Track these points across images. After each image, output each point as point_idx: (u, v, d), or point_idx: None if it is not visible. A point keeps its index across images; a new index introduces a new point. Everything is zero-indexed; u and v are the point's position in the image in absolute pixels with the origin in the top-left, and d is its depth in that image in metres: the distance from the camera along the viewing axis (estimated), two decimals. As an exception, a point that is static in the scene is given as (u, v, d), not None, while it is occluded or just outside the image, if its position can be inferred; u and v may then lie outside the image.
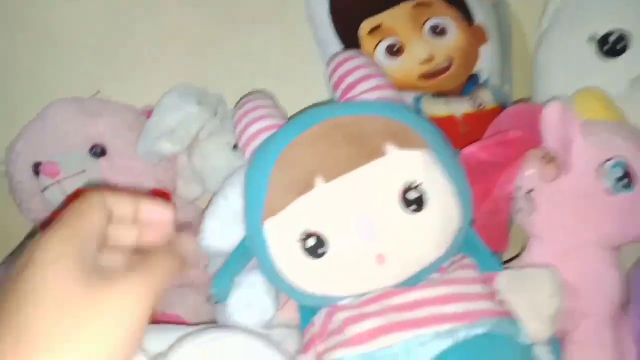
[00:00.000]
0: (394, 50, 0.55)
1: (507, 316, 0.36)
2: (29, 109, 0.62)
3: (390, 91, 0.42)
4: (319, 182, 0.37)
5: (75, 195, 0.51)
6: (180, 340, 0.35)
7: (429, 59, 0.54)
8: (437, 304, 0.36)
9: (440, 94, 0.55)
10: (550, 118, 0.40)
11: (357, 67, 0.43)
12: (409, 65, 0.55)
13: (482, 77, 0.57)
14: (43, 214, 0.57)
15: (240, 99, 0.49)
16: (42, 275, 0.20)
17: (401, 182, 0.36)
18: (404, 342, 0.34)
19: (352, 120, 0.39)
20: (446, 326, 0.34)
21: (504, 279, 0.38)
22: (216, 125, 0.60)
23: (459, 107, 0.54)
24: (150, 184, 0.59)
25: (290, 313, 0.43)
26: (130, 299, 0.21)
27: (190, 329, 0.38)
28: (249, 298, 0.40)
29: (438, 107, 0.53)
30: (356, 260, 0.36)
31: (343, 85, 0.43)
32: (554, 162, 0.40)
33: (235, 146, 0.59)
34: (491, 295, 0.37)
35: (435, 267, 0.38)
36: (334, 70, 0.44)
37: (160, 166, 0.60)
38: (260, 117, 0.43)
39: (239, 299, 0.40)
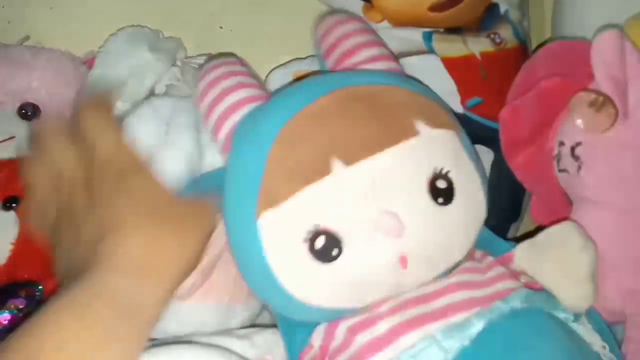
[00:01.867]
0: (400, -24, 0.47)
1: (539, 290, 0.32)
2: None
3: (394, 63, 0.37)
4: (338, 166, 0.30)
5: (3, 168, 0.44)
6: None
7: (442, -13, 0.47)
8: (461, 289, 0.31)
9: (454, 29, 0.47)
10: (603, 52, 0.33)
11: (354, 32, 0.38)
12: (416, -6, 0.48)
13: (502, 9, 0.50)
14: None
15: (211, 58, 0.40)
16: None
17: (431, 169, 0.31)
18: (429, 336, 0.29)
19: (372, 91, 0.33)
20: (476, 309, 0.30)
21: (522, 252, 0.34)
22: (175, 77, 0.51)
23: (477, 45, 0.47)
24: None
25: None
26: None
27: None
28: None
29: (453, 46, 0.46)
30: (377, 263, 0.30)
31: (337, 52, 0.37)
32: (607, 107, 0.33)
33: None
34: (515, 275, 0.33)
35: (458, 265, 0.33)
36: (325, 35, 0.38)
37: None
38: (238, 85, 0.36)
39: None
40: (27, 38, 0.56)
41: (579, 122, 0.34)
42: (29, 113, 0.49)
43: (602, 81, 0.33)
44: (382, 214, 0.30)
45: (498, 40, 0.48)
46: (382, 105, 0.32)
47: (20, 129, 0.48)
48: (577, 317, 0.31)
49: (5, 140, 0.46)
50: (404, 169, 0.31)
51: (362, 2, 0.50)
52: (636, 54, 0.33)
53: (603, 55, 0.33)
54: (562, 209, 0.39)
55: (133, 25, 0.54)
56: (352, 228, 0.30)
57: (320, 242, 0.30)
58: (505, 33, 0.48)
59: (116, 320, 0.25)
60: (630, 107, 0.33)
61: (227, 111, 0.35)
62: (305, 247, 0.30)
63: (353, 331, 0.31)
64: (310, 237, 0.30)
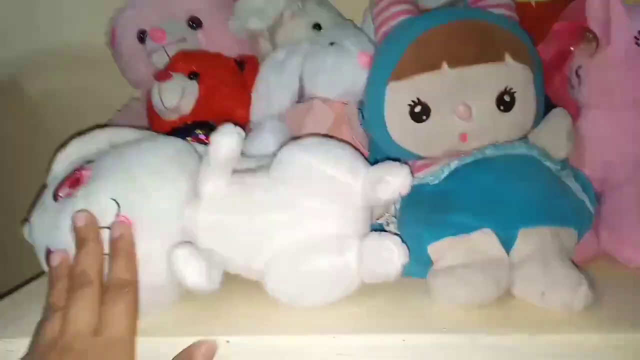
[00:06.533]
0: None
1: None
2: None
3: (513, 12, 0.52)
4: (445, 66, 0.45)
5: (176, 58, 0.65)
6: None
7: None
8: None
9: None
10: (593, 2, 0.47)
11: None
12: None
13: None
14: (148, 76, 0.69)
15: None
16: None
17: (503, 86, 0.45)
18: (460, 157, 0.46)
19: (485, 25, 0.48)
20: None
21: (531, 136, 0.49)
22: (298, 6, 0.69)
23: None
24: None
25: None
26: None
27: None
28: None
29: None
30: (446, 132, 0.46)
31: None
32: (593, 40, 0.48)
33: (314, 26, 0.69)
34: None
35: None
36: None
37: (246, 43, 0.71)
38: (403, 1, 0.53)
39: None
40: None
41: (574, 49, 0.50)
42: (194, 24, 0.68)
43: (591, 22, 0.47)
44: (461, 104, 0.45)
45: (552, -8, 0.62)
46: (487, 36, 0.46)
47: (189, 34, 0.68)
48: (563, 167, 0.46)
49: (180, 41, 0.67)
50: (486, 80, 0.45)
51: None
52: (618, 1, 0.47)
53: (592, 3, 0.47)
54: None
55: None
56: (440, 106, 0.46)
57: (417, 109, 0.46)
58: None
59: None
60: (612, 37, 0.47)
61: (387, 19, 0.52)
62: (407, 109, 0.47)
63: (416, 162, 0.49)
64: (413, 104, 0.47)
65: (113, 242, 0.37)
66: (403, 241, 0.39)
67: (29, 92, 0.89)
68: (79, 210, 0.38)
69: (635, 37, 0.47)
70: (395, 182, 0.38)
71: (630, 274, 0.45)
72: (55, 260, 0.38)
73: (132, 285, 0.37)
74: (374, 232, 0.39)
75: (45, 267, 0.40)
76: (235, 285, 0.42)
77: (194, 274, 0.38)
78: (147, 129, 0.59)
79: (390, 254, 0.37)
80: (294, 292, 0.39)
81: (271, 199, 0.40)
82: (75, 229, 0.37)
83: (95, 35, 0.77)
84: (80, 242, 0.37)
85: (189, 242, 0.40)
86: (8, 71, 0.87)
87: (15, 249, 0.90)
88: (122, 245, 0.37)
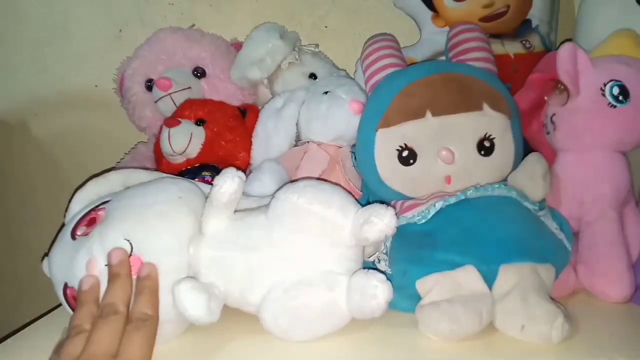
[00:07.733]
0: (460, -5, 0.66)
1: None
2: (133, 35, 0.80)
3: (492, 65, 0.56)
4: (429, 115, 0.50)
5: (184, 106, 0.69)
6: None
7: (490, 4, 0.67)
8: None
9: (496, 35, 0.67)
10: (562, 56, 0.51)
11: (475, 39, 0.57)
12: (472, 8, 0.67)
13: (534, 23, 0.69)
14: (154, 122, 0.73)
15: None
16: None
17: (483, 132, 0.50)
18: (443, 199, 0.49)
19: (464, 78, 0.52)
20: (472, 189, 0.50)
21: (510, 175, 0.52)
22: (295, 58, 0.74)
23: (512, 48, 0.66)
24: (237, 104, 0.74)
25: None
26: None
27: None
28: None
29: (494, 47, 0.64)
30: (431, 175, 0.50)
31: (460, 48, 0.57)
32: (564, 91, 0.52)
33: (310, 75, 0.74)
34: None
35: None
36: (457, 34, 0.58)
37: (246, 91, 0.76)
38: (386, 56, 0.58)
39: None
40: (193, 25, 0.80)
41: (547, 99, 0.54)
42: (199, 74, 0.73)
43: (561, 75, 0.52)
44: (445, 149, 0.49)
45: (528, 46, 0.67)
46: (466, 87, 0.51)
47: (194, 83, 0.72)
48: (541, 208, 0.50)
49: (185, 89, 0.71)
50: (466, 127, 0.49)
51: (431, 12, 0.71)
52: (585, 56, 0.52)
53: (562, 58, 0.52)
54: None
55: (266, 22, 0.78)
56: (425, 151, 0.50)
57: (404, 153, 0.51)
58: (535, 41, 0.67)
59: None
60: (580, 88, 0.52)
61: (376, 71, 0.57)
62: (396, 153, 0.51)
63: (404, 203, 0.52)
64: (400, 149, 0.51)
65: (141, 279, 0.41)
66: (388, 279, 0.41)
67: (39, 133, 0.93)
68: (115, 248, 0.41)
69: (601, 89, 0.51)
70: (380, 223, 0.41)
71: (606, 307, 0.48)
72: (86, 284, 0.40)
73: (152, 319, 0.40)
74: (361, 270, 0.42)
75: (63, 301, 0.43)
76: (233, 318, 0.44)
77: (194, 306, 0.40)
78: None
79: (375, 290, 0.40)
80: (286, 326, 0.42)
81: (267, 237, 0.43)
82: (110, 264, 0.41)
83: (104, 78, 0.82)
84: (112, 276, 0.40)
85: (190, 277, 0.43)
86: (18, 112, 0.91)
87: (30, 284, 0.93)
88: (148, 284, 0.40)
